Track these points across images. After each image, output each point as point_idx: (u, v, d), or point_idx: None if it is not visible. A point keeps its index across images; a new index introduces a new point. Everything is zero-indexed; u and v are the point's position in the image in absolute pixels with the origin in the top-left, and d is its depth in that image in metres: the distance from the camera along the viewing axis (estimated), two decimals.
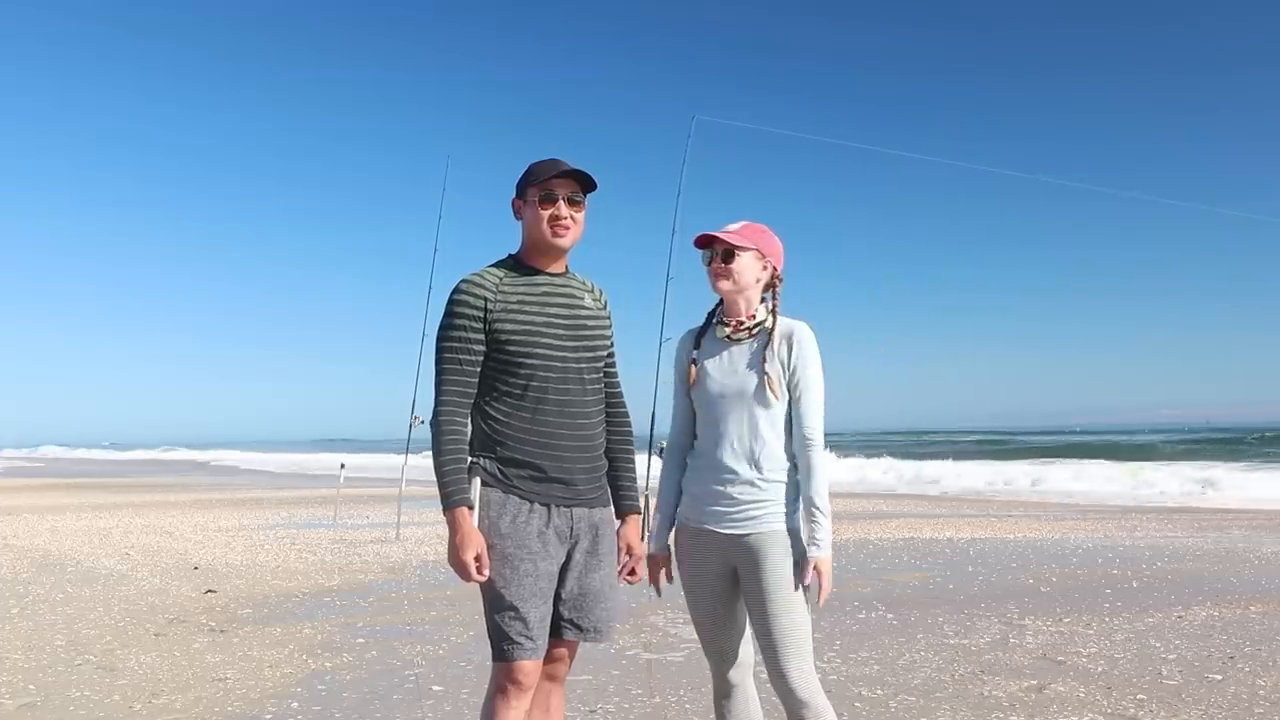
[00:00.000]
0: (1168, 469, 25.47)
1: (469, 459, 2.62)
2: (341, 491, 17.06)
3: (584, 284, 2.82)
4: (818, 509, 2.65)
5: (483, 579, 2.54)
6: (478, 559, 2.53)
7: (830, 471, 2.73)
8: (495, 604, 2.58)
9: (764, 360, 2.70)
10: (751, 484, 2.68)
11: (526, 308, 2.64)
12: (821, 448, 2.70)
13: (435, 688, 4.81)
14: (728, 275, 2.74)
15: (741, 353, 2.75)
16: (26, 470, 43.99)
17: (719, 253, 2.75)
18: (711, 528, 2.73)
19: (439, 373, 2.64)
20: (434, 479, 2.60)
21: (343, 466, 17.77)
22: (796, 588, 2.65)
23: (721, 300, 2.83)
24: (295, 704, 4.55)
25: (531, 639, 2.56)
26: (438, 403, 2.63)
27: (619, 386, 2.90)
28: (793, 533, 2.69)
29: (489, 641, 2.61)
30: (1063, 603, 7.06)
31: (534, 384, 2.62)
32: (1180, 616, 6.48)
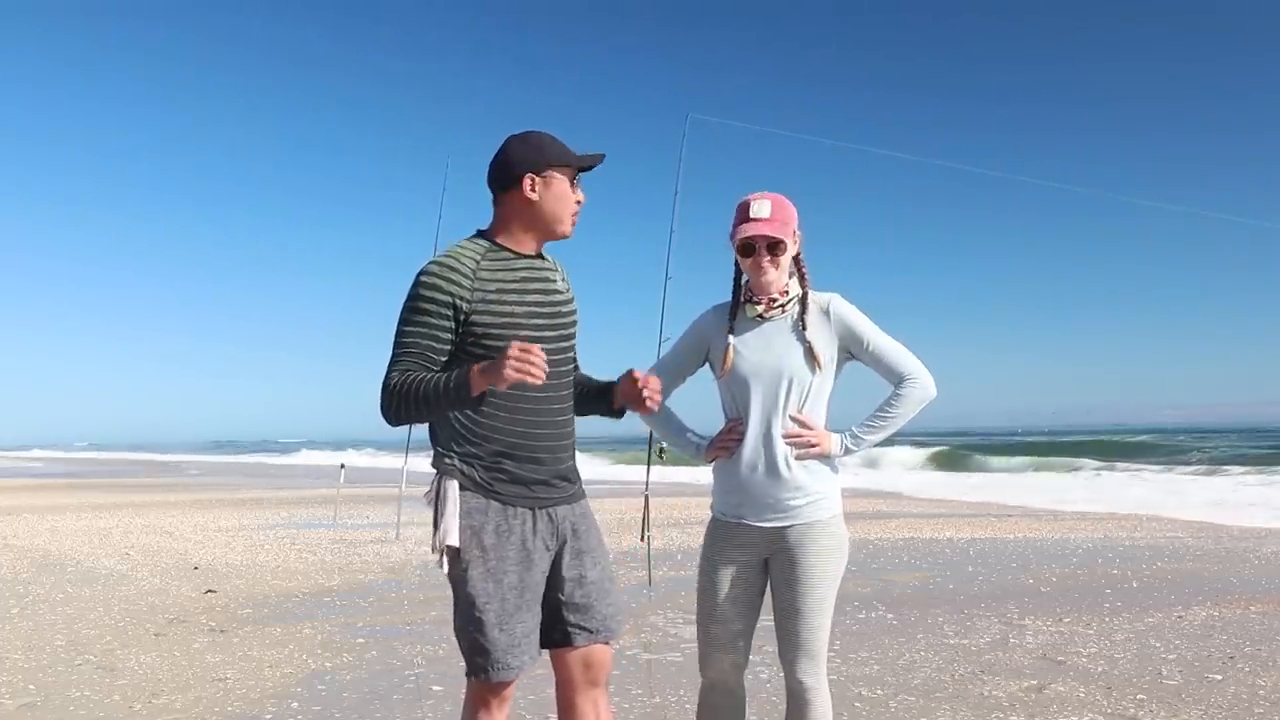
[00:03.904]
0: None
1: (442, 454, 2.44)
2: (341, 491, 17.06)
3: (553, 263, 2.60)
4: (874, 425, 2.67)
5: (534, 358, 2.18)
6: (522, 350, 2.18)
7: (917, 410, 2.66)
8: (478, 621, 2.39)
9: (804, 327, 2.62)
10: (794, 472, 2.60)
11: (506, 297, 2.41)
12: (919, 383, 2.65)
13: (435, 688, 4.80)
14: (777, 265, 2.64)
15: (776, 328, 2.66)
16: (24, 470, 43.97)
17: (765, 245, 2.63)
18: (751, 522, 2.64)
19: (393, 359, 2.36)
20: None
21: (343, 467, 17.78)
22: (831, 583, 2.62)
23: (742, 275, 2.72)
24: (295, 704, 4.55)
25: (517, 657, 2.39)
26: (385, 377, 2.35)
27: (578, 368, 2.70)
28: (834, 520, 2.65)
29: (464, 658, 2.44)
30: (1063, 603, 7.05)
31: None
32: (1180, 616, 6.48)
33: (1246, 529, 12.40)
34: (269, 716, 4.37)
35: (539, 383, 2.22)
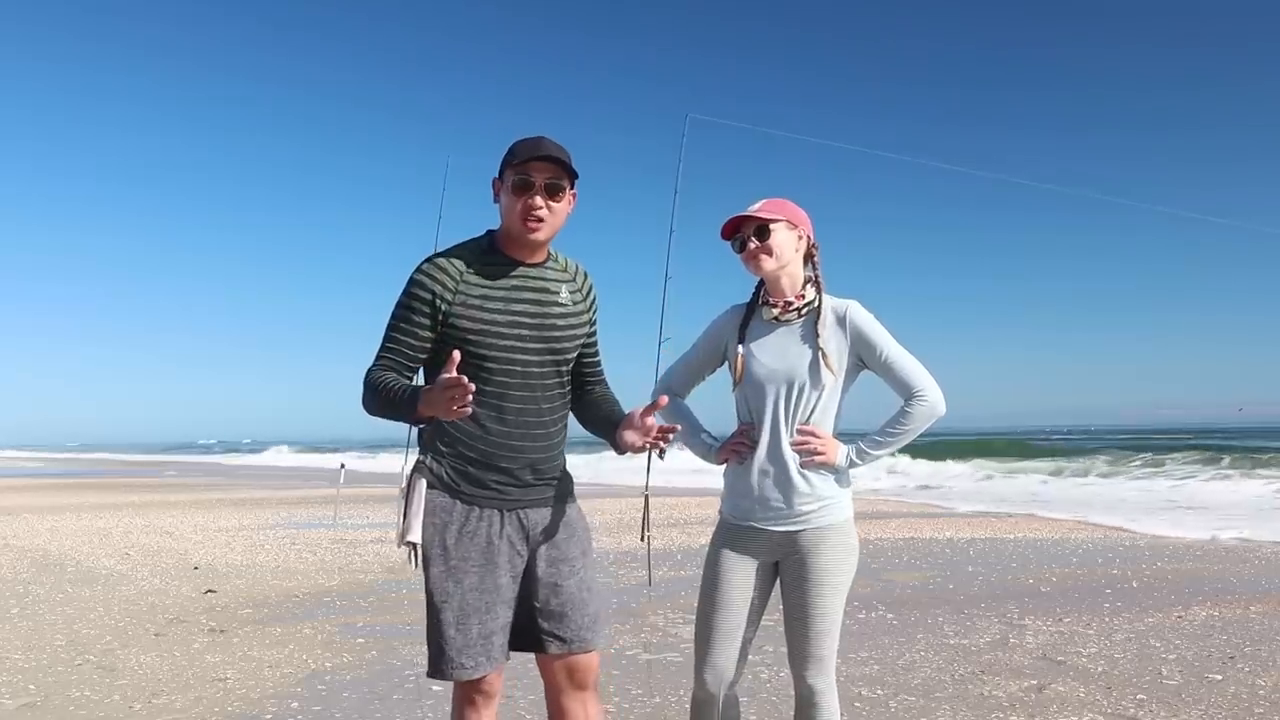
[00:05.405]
0: None
1: (420, 453, 2.49)
2: (341, 491, 17.06)
3: (564, 271, 2.58)
4: (881, 439, 2.65)
5: (465, 388, 2.12)
6: (452, 381, 2.13)
7: (925, 427, 2.62)
8: (436, 619, 2.41)
9: (817, 335, 2.59)
10: (805, 477, 2.59)
11: (489, 304, 2.42)
12: (928, 399, 2.60)
13: (435, 688, 4.80)
14: (768, 252, 2.60)
15: (791, 334, 2.64)
16: (23, 470, 43.96)
17: (752, 231, 2.62)
18: (761, 526, 2.63)
19: (378, 352, 2.45)
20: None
21: (343, 467, 17.79)
22: (841, 588, 2.64)
23: (763, 281, 2.70)
24: (295, 704, 4.55)
25: (472, 657, 2.38)
26: (367, 370, 2.44)
27: (603, 377, 2.72)
28: (846, 524, 2.65)
29: (428, 657, 2.45)
30: (1063, 603, 7.05)
31: (490, 388, 2.41)
32: (1180, 616, 6.48)
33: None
34: (269, 716, 4.37)
35: (462, 415, 2.20)
